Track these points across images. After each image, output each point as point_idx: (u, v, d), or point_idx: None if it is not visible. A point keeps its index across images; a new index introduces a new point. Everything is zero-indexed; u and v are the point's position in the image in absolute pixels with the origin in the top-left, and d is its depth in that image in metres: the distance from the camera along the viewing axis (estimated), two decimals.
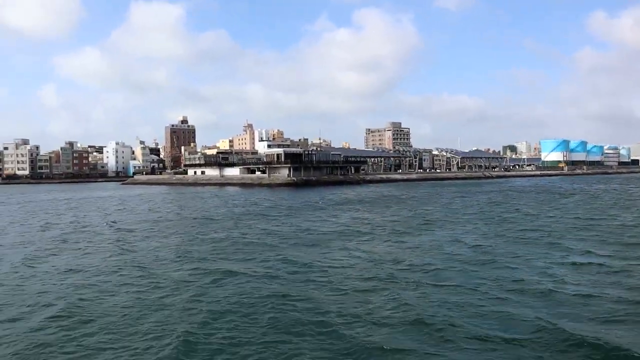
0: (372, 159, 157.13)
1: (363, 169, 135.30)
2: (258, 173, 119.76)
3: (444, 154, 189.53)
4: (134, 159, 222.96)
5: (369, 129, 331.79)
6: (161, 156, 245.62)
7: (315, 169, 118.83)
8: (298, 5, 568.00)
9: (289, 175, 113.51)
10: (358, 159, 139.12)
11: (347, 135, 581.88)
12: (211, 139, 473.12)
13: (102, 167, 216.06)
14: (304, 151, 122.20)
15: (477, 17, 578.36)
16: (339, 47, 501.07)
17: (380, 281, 15.85)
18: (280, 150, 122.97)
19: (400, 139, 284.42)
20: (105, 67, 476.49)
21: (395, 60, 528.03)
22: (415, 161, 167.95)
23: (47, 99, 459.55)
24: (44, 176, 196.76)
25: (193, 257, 21.03)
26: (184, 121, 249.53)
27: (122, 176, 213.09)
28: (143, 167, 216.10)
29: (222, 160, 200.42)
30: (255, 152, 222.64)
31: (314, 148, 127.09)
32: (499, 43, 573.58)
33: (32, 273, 18.48)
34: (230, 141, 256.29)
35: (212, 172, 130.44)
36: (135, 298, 14.44)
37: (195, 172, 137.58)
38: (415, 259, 19.73)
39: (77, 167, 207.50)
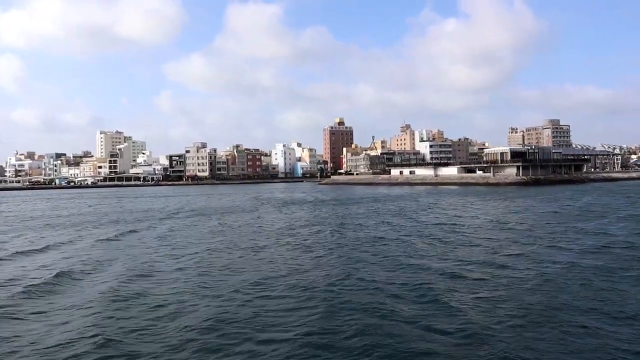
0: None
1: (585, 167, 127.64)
2: (479, 172, 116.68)
3: None
4: (299, 160, 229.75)
5: (512, 128, 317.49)
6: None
7: (541, 167, 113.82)
8: None
9: (517, 174, 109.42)
10: (573, 157, 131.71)
11: (466, 133, 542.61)
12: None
13: (273, 168, 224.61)
14: (528, 149, 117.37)
15: None
16: (446, 40, 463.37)
17: None
18: (505, 149, 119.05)
19: (560, 137, 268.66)
20: (211, 71, 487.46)
21: (509, 50, 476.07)
22: (618, 159, 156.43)
23: (163, 105, 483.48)
24: (221, 177, 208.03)
25: None
26: (341, 123, 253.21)
27: (290, 177, 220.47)
28: (310, 168, 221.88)
29: (387, 160, 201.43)
30: (417, 152, 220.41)
31: (533, 146, 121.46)
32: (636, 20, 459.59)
33: None
34: (383, 142, 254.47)
35: (424, 172, 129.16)
36: None
37: (401, 172, 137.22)
38: None
39: (251, 169, 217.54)
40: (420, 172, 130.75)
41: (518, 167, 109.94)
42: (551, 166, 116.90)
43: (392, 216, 39.81)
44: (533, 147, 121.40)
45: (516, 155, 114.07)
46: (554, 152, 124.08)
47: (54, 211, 56.80)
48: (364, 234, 28.37)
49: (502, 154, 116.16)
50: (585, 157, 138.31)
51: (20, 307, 13.56)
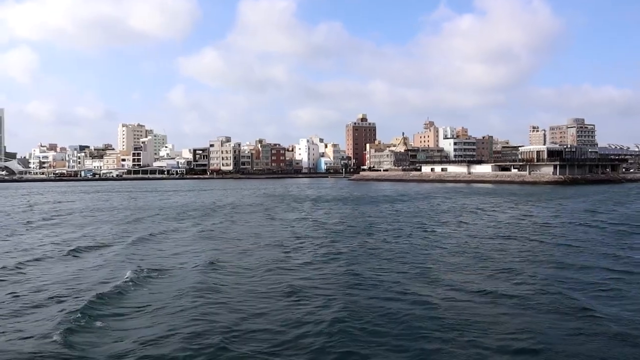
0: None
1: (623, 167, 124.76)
2: (514, 170, 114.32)
3: None
4: (322, 155, 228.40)
5: (533, 126, 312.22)
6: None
7: (578, 167, 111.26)
8: None
9: (554, 173, 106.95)
10: (610, 157, 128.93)
11: (481, 131, 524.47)
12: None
13: (297, 163, 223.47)
14: (564, 148, 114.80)
15: None
16: (461, 37, 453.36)
17: None
18: (542, 147, 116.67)
19: (585, 136, 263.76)
20: (223, 66, 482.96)
21: (526, 48, 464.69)
22: None
23: (175, 100, 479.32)
24: (245, 172, 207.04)
25: None
26: (364, 119, 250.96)
27: (313, 172, 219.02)
28: (334, 163, 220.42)
29: (411, 157, 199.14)
30: (441, 150, 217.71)
31: (568, 145, 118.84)
32: None
33: None
34: (405, 138, 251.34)
35: (457, 169, 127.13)
36: None
37: (432, 169, 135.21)
38: None
39: (275, 164, 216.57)
40: (453, 169, 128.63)
41: (555, 166, 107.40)
42: (587, 165, 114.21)
43: (455, 216, 38.10)
44: (569, 145, 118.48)
45: (553, 154, 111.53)
46: (590, 152, 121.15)
47: (97, 203, 56.38)
48: (444, 235, 26.82)
49: (538, 152, 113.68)
50: (620, 156, 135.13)
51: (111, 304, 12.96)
